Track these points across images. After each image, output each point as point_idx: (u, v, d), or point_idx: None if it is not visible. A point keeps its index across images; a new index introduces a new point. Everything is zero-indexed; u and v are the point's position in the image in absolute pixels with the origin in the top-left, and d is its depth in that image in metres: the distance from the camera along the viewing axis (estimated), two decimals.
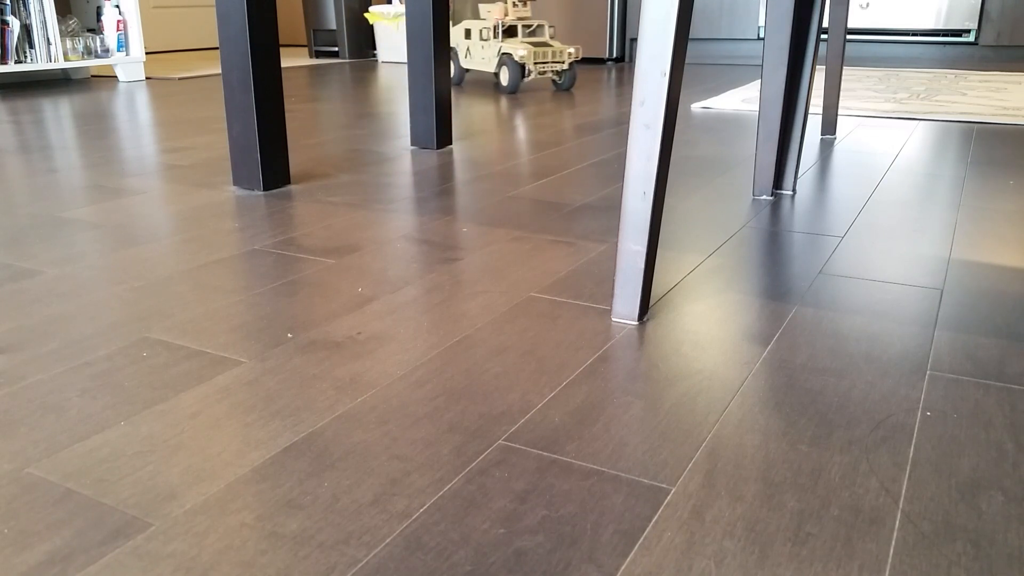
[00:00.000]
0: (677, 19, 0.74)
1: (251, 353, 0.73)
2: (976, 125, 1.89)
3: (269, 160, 1.32)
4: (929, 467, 0.55)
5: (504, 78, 2.60)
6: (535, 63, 2.56)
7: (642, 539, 0.49)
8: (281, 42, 5.04)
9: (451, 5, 3.94)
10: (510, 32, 2.68)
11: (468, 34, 2.75)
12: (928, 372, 0.69)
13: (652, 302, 0.85)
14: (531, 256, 0.99)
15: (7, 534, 0.49)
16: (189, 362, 0.72)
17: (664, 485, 0.54)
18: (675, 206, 1.22)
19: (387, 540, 0.49)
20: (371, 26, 3.93)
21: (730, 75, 3.03)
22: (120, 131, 1.91)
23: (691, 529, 0.49)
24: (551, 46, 2.58)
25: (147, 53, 4.15)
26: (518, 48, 2.51)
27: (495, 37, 2.62)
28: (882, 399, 0.64)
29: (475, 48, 2.76)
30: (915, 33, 3.35)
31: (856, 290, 0.87)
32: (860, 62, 3.34)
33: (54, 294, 0.88)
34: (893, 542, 0.48)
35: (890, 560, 0.47)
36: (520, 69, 2.55)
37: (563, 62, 2.61)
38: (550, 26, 2.73)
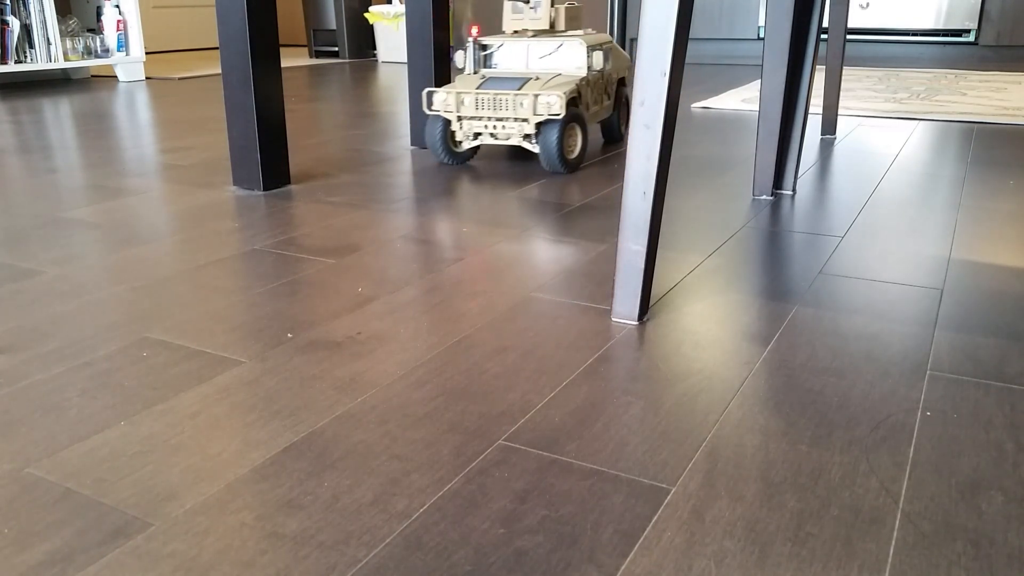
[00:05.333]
0: (677, 19, 0.74)
1: (251, 353, 0.73)
2: (976, 125, 1.89)
3: (269, 160, 1.32)
4: (929, 467, 0.55)
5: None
6: (469, 116, 1.45)
7: (642, 539, 0.49)
8: (281, 42, 5.04)
9: (451, 5, 3.94)
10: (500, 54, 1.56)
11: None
12: (928, 372, 0.69)
13: (652, 302, 0.85)
14: (531, 256, 0.99)
15: (7, 534, 0.49)
16: (189, 362, 0.72)
17: (664, 485, 0.54)
18: (675, 206, 1.22)
19: (387, 540, 0.49)
20: (371, 26, 3.94)
21: (730, 75, 3.03)
22: (120, 131, 1.91)
23: (691, 529, 0.49)
24: (523, 93, 1.38)
25: (147, 53, 4.15)
26: (438, 93, 1.45)
27: (472, 68, 1.55)
28: (882, 399, 0.64)
29: None
30: (915, 33, 3.35)
31: (856, 290, 0.87)
32: (860, 62, 3.34)
33: (54, 294, 0.88)
34: (893, 542, 0.48)
35: (890, 560, 0.47)
36: (444, 128, 1.49)
37: (540, 116, 1.38)
38: (599, 46, 1.54)
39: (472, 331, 0.78)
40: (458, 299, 0.86)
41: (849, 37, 3.49)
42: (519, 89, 1.40)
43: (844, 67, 3.13)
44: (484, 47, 1.55)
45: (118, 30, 2.93)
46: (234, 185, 1.35)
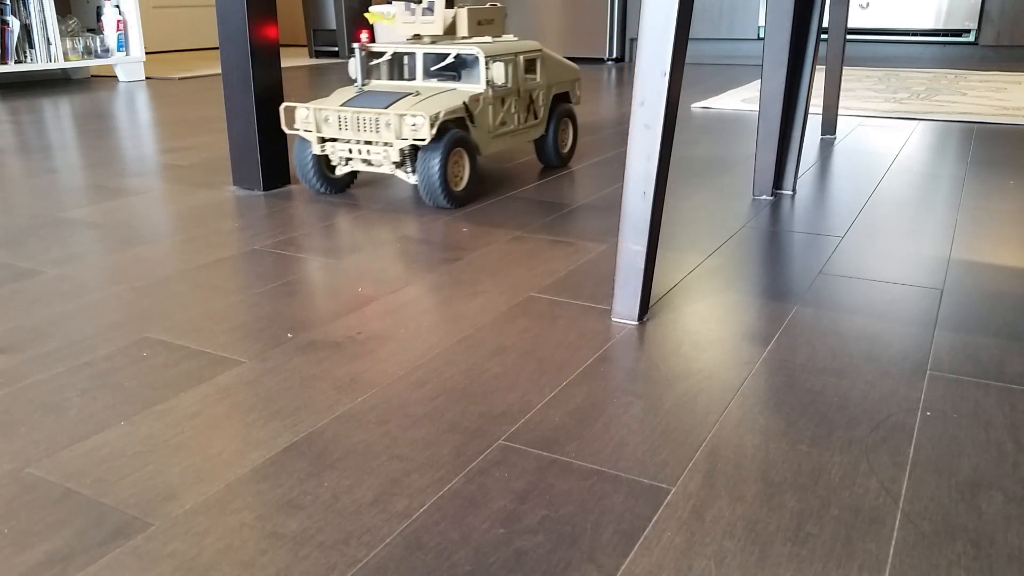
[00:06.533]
0: (677, 19, 0.74)
1: (251, 353, 0.73)
2: (976, 125, 1.89)
3: (269, 160, 1.32)
4: (929, 467, 0.55)
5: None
6: (331, 138, 1.23)
7: (642, 539, 0.49)
8: (281, 42, 5.04)
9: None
10: (395, 64, 1.35)
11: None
12: (928, 372, 0.69)
13: (652, 302, 0.85)
14: (531, 256, 0.99)
15: (7, 534, 0.49)
16: (189, 362, 0.72)
17: (664, 485, 0.54)
18: (675, 206, 1.22)
19: (387, 540, 0.49)
20: (371, 26, 3.94)
21: (730, 75, 3.03)
22: (120, 131, 1.91)
23: (691, 529, 0.49)
24: (386, 113, 1.15)
25: (147, 53, 4.15)
26: (299, 109, 1.22)
27: (361, 79, 1.30)
28: (882, 399, 0.64)
29: None
30: (915, 33, 3.35)
31: (856, 290, 0.87)
32: (860, 62, 3.34)
33: (54, 294, 0.88)
34: (893, 542, 0.48)
35: (890, 560, 0.47)
36: (310, 151, 1.26)
37: (406, 140, 1.15)
38: (504, 56, 1.28)
39: (472, 331, 0.78)
40: (458, 299, 0.86)
41: (849, 37, 3.49)
42: (387, 107, 1.17)
43: (844, 67, 3.13)
44: (373, 55, 1.33)
45: (118, 30, 2.93)
46: (234, 185, 1.35)
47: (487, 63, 1.25)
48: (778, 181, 1.29)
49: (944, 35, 3.31)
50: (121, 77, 3.01)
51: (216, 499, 0.52)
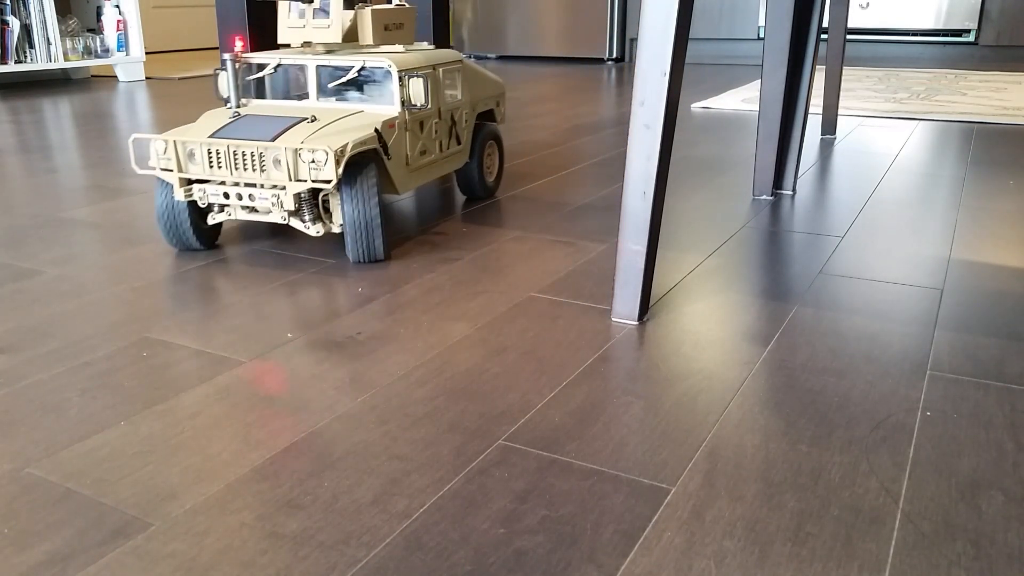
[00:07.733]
0: (677, 19, 0.74)
1: (251, 353, 0.73)
2: (976, 125, 1.89)
3: None
4: (929, 467, 0.55)
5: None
6: (199, 180, 0.95)
7: (642, 539, 0.49)
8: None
9: (451, 5, 3.93)
10: (280, 80, 1.05)
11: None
12: (928, 372, 0.69)
13: (652, 302, 0.85)
14: (531, 256, 0.99)
15: (7, 534, 0.49)
16: (189, 362, 0.72)
17: (664, 485, 0.54)
18: (675, 206, 1.22)
19: (387, 540, 0.49)
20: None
21: (730, 75, 3.03)
22: (120, 131, 1.91)
23: (691, 529, 0.49)
24: (274, 146, 0.88)
25: (147, 53, 4.15)
26: (156, 141, 0.93)
27: (236, 100, 1.02)
28: (882, 399, 0.64)
29: None
30: (915, 33, 3.35)
31: (856, 290, 0.87)
32: (860, 62, 3.34)
33: (54, 294, 0.88)
34: (893, 542, 0.48)
35: (890, 560, 0.47)
36: (172, 196, 0.97)
37: (304, 181, 0.89)
38: (420, 70, 1.03)
39: (472, 331, 0.78)
40: (458, 299, 0.86)
41: (849, 37, 3.49)
42: (274, 138, 0.90)
43: (844, 67, 3.13)
44: (252, 68, 1.04)
45: (118, 30, 2.93)
46: None
47: (402, 79, 0.99)
48: (778, 181, 1.29)
49: (944, 35, 3.31)
50: (121, 77, 3.01)
51: (216, 499, 0.52)
